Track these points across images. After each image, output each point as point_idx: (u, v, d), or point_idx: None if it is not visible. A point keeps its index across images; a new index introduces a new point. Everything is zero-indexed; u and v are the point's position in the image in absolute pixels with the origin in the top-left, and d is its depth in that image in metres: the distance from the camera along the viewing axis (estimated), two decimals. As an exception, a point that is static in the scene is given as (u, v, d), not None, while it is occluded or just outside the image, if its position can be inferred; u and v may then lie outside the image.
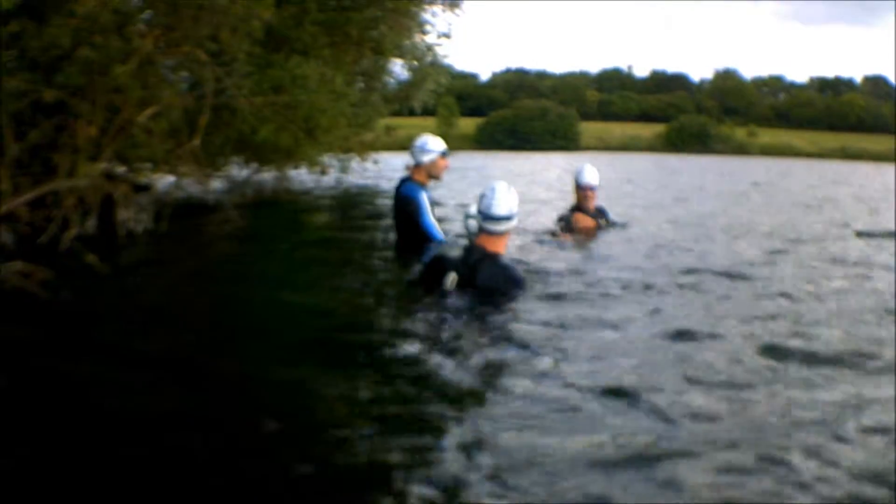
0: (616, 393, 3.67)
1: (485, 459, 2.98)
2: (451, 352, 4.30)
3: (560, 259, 7.21)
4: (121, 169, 8.97)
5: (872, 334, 4.90)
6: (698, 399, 3.65)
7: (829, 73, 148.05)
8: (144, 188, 9.56)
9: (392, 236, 7.68)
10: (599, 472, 2.89)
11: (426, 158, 7.06)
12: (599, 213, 9.09)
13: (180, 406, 3.62)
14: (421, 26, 14.24)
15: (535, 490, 2.76)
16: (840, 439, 3.21)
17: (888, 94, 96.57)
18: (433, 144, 7.11)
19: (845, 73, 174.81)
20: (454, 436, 3.20)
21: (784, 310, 5.53)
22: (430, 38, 14.85)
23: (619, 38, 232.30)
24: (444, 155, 7.12)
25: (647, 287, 6.07)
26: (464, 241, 5.64)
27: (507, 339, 4.58)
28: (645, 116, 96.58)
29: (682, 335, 4.72)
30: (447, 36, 14.76)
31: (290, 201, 13.84)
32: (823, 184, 26.36)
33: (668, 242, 8.68)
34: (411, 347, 4.39)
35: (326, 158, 13.14)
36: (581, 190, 8.90)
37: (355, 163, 14.10)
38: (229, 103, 8.33)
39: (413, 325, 4.86)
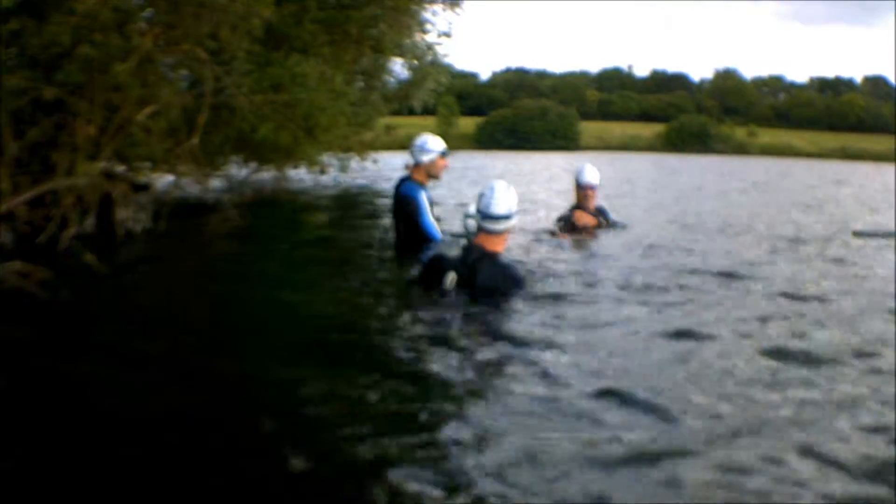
0: (616, 392, 3.66)
1: (485, 459, 2.97)
2: (450, 351, 4.30)
3: (559, 259, 7.21)
4: (120, 168, 8.96)
5: (872, 334, 4.89)
6: (698, 398, 3.65)
7: (829, 74, 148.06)
8: (143, 187, 9.55)
9: (391, 236, 7.67)
10: (600, 471, 2.89)
11: (426, 158, 7.04)
12: (599, 213, 9.08)
13: (179, 406, 3.61)
14: (421, 25, 14.25)
15: (535, 489, 2.75)
16: (840, 439, 3.21)
17: (888, 94, 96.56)
18: (433, 144, 7.09)
19: (845, 74, 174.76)
20: (454, 435, 3.20)
21: (783, 309, 5.52)
22: (430, 37, 14.88)
23: (619, 37, 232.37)
24: (443, 155, 7.11)
25: (647, 287, 6.06)
26: (462, 241, 5.63)
27: (507, 338, 4.56)
28: (645, 116, 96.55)
29: (681, 335, 4.71)
30: (447, 35, 14.78)
31: (289, 200, 13.83)
32: (823, 184, 26.35)
33: (668, 242, 8.66)
34: (411, 347, 4.39)
35: (326, 158, 13.13)
36: (581, 189, 8.90)
37: (355, 162, 14.09)
38: (228, 102, 8.32)
39: (412, 325, 4.85)
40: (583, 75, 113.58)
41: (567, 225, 8.71)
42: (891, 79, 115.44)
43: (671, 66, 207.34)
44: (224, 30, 7.42)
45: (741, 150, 78.83)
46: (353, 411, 3.53)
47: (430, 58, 15.34)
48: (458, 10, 14.37)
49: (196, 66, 7.98)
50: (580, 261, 7.30)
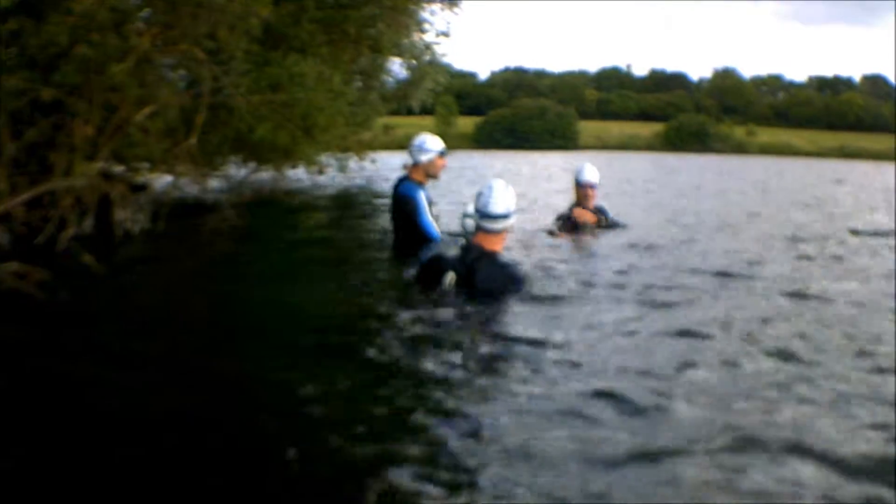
0: (615, 392, 3.66)
1: (485, 458, 2.97)
2: (449, 351, 4.29)
3: (558, 258, 7.20)
4: (119, 168, 8.95)
5: (871, 332, 4.88)
6: (698, 398, 3.64)
7: (828, 73, 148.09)
8: (141, 188, 9.54)
9: (390, 235, 7.66)
10: (599, 471, 2.88)
11: (424, 158, 7.04)
12: (599, 212, 9.06)
13: (178, 406, 3.61)
14: (419, 25, 14.25)
15: (534, 489, 2.75)
16: (840, 438, 3.20)
17: (887, 93, 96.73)
18: (431, 144, 7.08)
19: (844, 73, 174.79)
20: (454, 435, 3.20)
21: (783, 309, 5.52)
22: (428, 37, 14.87)
23: (618, 37, 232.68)
24: (442, 154, 7.10)
25: (646, 287, 6.05)
26: (461, 241, 5.62)
27: (506, 338, 4.57)
28: (644, 115, 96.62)
29: (681, 334, 4.72)
30: (446, 34, 14.77)
31: (287, 200, 13.81)
32: (822, 183, 26.39)
33: (667, 242, 8.66)
34: (409, 347, 4.39)
35: (324, 158, 13.10)
36: (581, 188, 8.89)
37: (353, 162, 14.08)
38: (226, 102, 8.31)
39: (411, 325, 4.83)
40: (581, 75, 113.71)
41: (566, 224, 8.70)
42: (890, 78, 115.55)
43: (670, 66, 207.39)
44: (222, 29, 7.42)
45: (740, 149, 78.92)
46: (351, 411, 3.54)
47: (428, 57, 15.34)
48: (456, 9, 14.40)
49: (194, 66, 7.97)
50: (579, 260, 7.30)
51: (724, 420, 3.38)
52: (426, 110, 20.81)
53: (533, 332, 4.64)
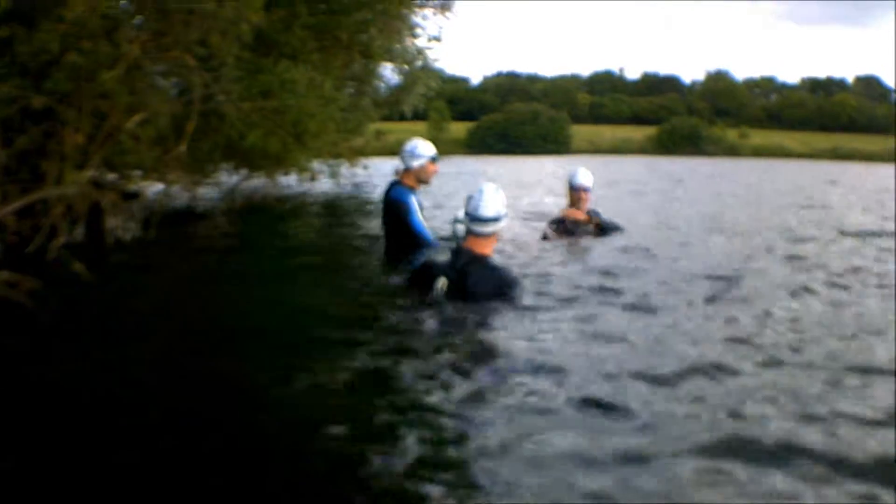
0: (613, 394, 3.67)
1: (484, 459, 2.99)
2: (444, 355, 4.29)
3: (552, 262, 7.20)
4: (110, 176, 8.93)
5: (868, 332, 4.90)
6: (694, 400, 3.65)
7: (821, 74, 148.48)
8: (133, 196, 9.52)
9: (381, 240, 7.65)
10: (599, 471, 2.90)
11: (416, 163, 7.03)
12: (593, 216, 9.06)
13: (174, 409, 3.64)
14: (411, 30, 14.22)
15: (533, 488, 2.78)
16: (840, 438, 3.22)
17: (881, 94, 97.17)
18: (423, 149, 7.08)
19: (837, 74, 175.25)
20: (453, 436, 3.22)
21: (777, 310, 5.51)
22: (420, 42, 14.85)
23: (610, 40, 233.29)
24: (433, 160, 7.09)
25: (639, 290, 6.06)
26: (452, 245, 5.62)
27: (500, 342, 4.58)
28: (636, 119, 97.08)
29: (678, 337, 4.73)
30: (438, 39, 14.75)
31: (279, 207, 13.81)
32: (816, 184, 26.45)
33: (661, 245, 8.67)
34: (404, 351, 4.38)
35: (316, 164, 13.09)
36: (574, 191, 8.87)
37: (345, 168, 14.06)
38: (217, 109, 8.29)
39: (405, 329, 4.84)
40: (574, 79, 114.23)
41: (560, 227, 8.69)
42: (883, 78, 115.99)
43: (663, 69, 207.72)
44: (214, 36, 7.40)
45: (732, 151, 79.27)
46: (349, 412, 3.55)
47: (420, 63, 15.33)
48: (448, 14, 14.38)
49: (185, 73, 7.96)
50: (572, 264, 7.29)
51: (722, 421, 3.39)
52: (418, 116, 20.85)
53: (526, 336, 4.65)
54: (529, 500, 2.73)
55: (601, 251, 7.97)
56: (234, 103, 8.23)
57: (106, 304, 5.93)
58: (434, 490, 2.76)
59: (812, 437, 3.21)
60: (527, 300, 5.48)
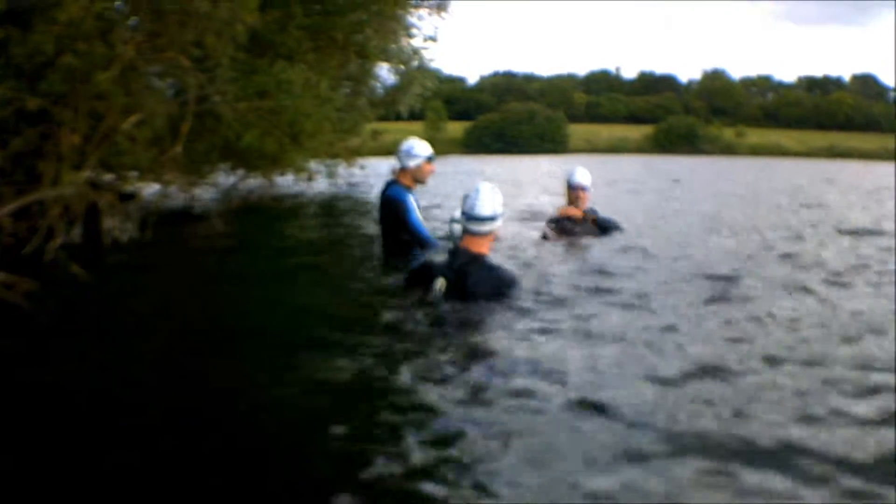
0: (614, 392, 3.67)
1: (483, 459, 2.99)
2: (443, 355, 4.29)
3: (551, 262, 7.18)
4: (108, 177, 8.92)
5: (868, 333, 4.89)
6: (696, 399, 3.65)
7: (818, 73, 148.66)
8: (130, 196, 9.51)
9: (378, 241, 7.64)
10: (599, 472, 2.90)
11: (412, 163, 7.01)
12: (589, 213, 9.04)
13: (174, 409, 3.64)
14: (407, 30, 14.24)
15: (533, 488, 2.77)
16: (839, 438, 3.21)
17: (878, 92, 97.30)
18: (419, 149, 7.06)
19: (834, 72, 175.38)
20: (452, 435, 3.21)
21: (776, 310, 5.50)
22: (416, 42, 14.87)
23: (607, 39, 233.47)
24: (429, 160, 7.08)
25: (638, 290, 6.04)
26: (449, 245, 5.61)
27: (499, 342, 4.57)
28: (633, 118, 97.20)
29: (676, 338, 4.71)
30: (433, 39, 14.77)
31: (276, 207, 13.80)
32: (813, 183, 26.48)
33: (660, 245, 8.65)
34: (403, 352, 4.37)
35: (313, 164, 13.08)
36: (573, 190, 8.84)
37: (342, 168, 14.05)
38: (213, 109, 8.28)
39: (404, 330, 4.83)
40: (570, 78, 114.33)
41: (558, 227, 8.67)
42: (880, 77, 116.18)
43: (659, 68, 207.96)
44: (209, 36, 7.38)
45: (729, 150, 79.40)
46: (349, 413, 3.55)
47: (416, 63, 15.36)
48: (444, 14, 14.39)
49: (180, 74, 7.95)
50: (572, 264, 7.27)
51: (722, 421, 3.38)
52: (415, 115, 20.84)
53: (525, 336, 4.64)
54: (529, 500, 2.72)
55: (600, 251, 7.95)
56: (229, 104, 8.23)
57: (103, 305, 5.92)
58: (434, 490, 2.76)
59: (812, 437, 3.20)
60: (526, 300, 5.47)
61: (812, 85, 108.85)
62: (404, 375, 3.99)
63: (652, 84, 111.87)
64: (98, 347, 4.72)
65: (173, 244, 9.01)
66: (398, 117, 16.83)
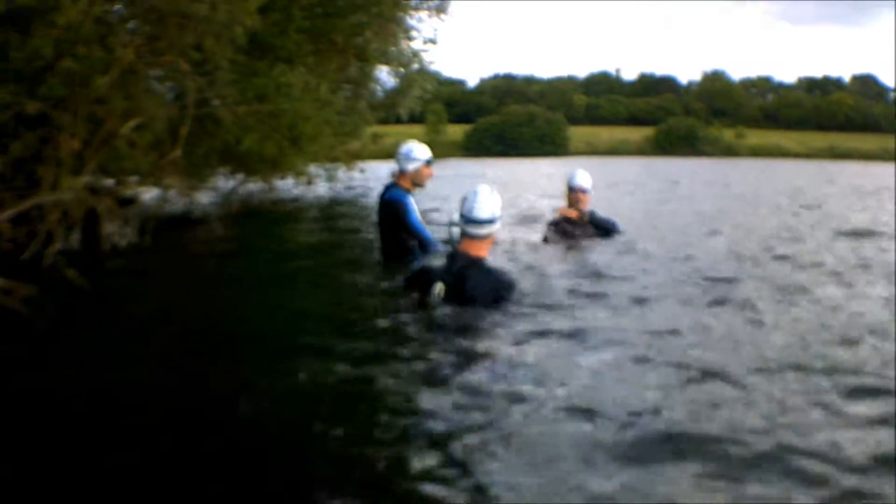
0: (613, 393, 3.68)
1: (484, 459, 2.99)
2: (443, 357, 4.28)
3: (550, 264, 7.17)
4: (107, 182, 8.92)
5: (867, 333, 4.88)
6: (696, 399, 3.64)
7: (818, 73, 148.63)
8: (129, 201, 9.50)
9: (377, 244, 7.63)
10: (599, 472, 2.89)
11: (411, 166, 7.01)
12: (591, 216, 9.03)
13: (173, 410, 3.65)
14: (407, 32, 14.24)
15: (534, 489, 2.78)
16: (839, 437, 3.20)
17: (878, 93, 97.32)
18: (418, 152, 7.06)
19: (834, 73, 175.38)
20: (452, 436, 3.21)
21: (777, 310, 5.50)
22: (416, 45, 14.87)
23: (606, 41, 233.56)
24: (428, 163, 7.08)
25: (638, 293, 6.03)
26: (448, 248, 5.60)
27: (498, 345, 4.55)
28: (633, 120, 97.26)
29: (674, 339, 4.71)
30: (433, 42, 14.77)
31: (275, 211, 13.80)
32: (813, 184, 26.47)
33: (660, 248, 8.63)
34: (403, 354, 4.37)
35: (313, 168, 13.07)
36: (573, 192, 8.84)
37: (342, 172, 14.04)
38: (213, 113, 8.28)
39: (402, 332, 4.83)
40: (570, 80, 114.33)
41: (559, 230, 8.66)
42: (879, 77, 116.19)
43: (659, 69, 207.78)
44: (208, 39, 7.38)
45: (729, 151, 79.45)
46: (349, 414, 3.56)
47: (416, 65, 15.36)
48: (443, 16, 14.40)
49: (179, 78, 7.94)
50: (571, 266, 7.26)
51: (722, 422, 3.38)
52: (415, 118, 20.87)
53: (525, 339, 4.63)
54: (529, 500, 2.72)
55: (600, 253, 7.93)
56: (229, 107, 8.22)
57: (103, 310, 5.92)
58: (434, 491, 2.76)
59: (812, 437, 3.20)
60: (524, 303, 5.46)
61: (812, 86, 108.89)
62: (403, 378, 3.99)
63: (652, 86, 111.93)
64: (97, 352, 4.71)
65: (173, 249, 9.01)
66: (398, 120, 16.84)
